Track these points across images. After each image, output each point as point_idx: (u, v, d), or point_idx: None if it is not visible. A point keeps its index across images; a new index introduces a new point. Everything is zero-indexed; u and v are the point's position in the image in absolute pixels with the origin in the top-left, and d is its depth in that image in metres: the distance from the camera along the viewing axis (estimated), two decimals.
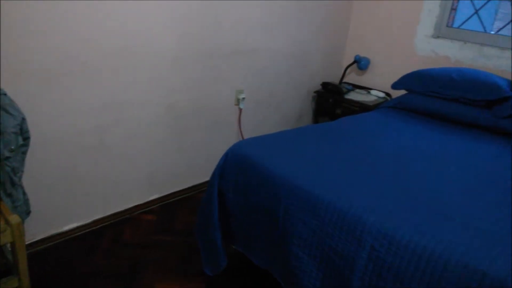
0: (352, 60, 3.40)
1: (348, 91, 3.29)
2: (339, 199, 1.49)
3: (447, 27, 3.03)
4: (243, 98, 2.78)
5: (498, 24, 3.30)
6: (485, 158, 1.99)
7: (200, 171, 2.77)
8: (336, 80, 3.51)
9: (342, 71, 3.48)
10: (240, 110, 2.82)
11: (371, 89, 3.36)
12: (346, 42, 3.53)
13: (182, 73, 2.41)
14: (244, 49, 2.69)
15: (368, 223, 1.39)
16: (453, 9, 3.04)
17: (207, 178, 2.02)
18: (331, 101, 3.22)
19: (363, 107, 3.03)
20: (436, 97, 2.58)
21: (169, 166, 2.61)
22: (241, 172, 1.83)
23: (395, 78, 2.86)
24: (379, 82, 3.34)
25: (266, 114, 3.08)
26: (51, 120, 1.98)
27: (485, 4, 2.99)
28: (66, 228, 2.27)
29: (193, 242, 2.18)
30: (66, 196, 2.20)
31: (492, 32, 2.98)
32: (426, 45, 3.06)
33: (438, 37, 3.03)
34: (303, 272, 1.55)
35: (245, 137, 2.89)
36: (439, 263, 1.22)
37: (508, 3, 2.96)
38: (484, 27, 3.01)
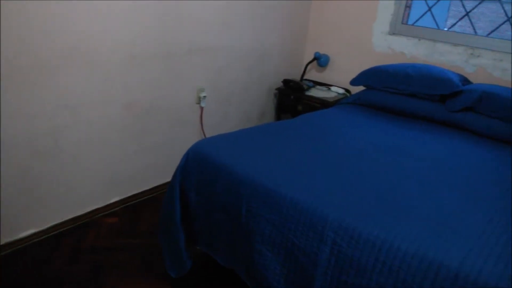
0: (312, 57, 3.44)
1: (309, 87, 3.33)
2: (301, 195, 1.51)
3: (402, 24, 3.12)
4: (204, 97, 2.76)
5: (451, 21, 3.44)
6: (441, 151, 2.07)
7: (162, 171, 2.73)
8: (297, 77, 3.54)
9: (303, 68, 3.51)
10: (202, 108, 2.80)
11: (331, 85, 3.41)
12: (306, 39, 3.56)
13: (139, 72, 2.36)
14: (203, 46, 2.66)
15: (330, 218, 1.41)
16: (408, 7, 3.13)
17: (170, 178, 1.99)
18: (292, 98, 3.25)
19: (323, 104, 3.08)
20: (393, 93, 2.65)
21: (130, 167, 2.55)
22: (202, 171, 1.81)
23: (354, 74, 2.92)
24: (339, 78, 3.40)
25: (228, 112, 3.07)
26: (1, 123, 1.89)
27: (437, 2, 3.10)
28: (23, 234, 2.17)
29: (158, 244, 2.15)
30: (21, 202, 2.10)
31: (445, 29, 3.10)
32: (382, 42, 3.14)
33: (394, 34, 3.11)
34: (267, 269, 1.56)
35: (207, 135, 2.87)
36: (398, 256, 1.26)
37: (459, 2, 3.09)
38: (437, 24, 3.12)
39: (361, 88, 2.94)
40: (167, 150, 2.70)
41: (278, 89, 3.38)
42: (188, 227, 1.92)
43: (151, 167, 2.67)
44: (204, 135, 2.88)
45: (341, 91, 3.32)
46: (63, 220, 2.33)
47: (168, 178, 2.64)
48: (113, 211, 2.55)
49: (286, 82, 3.33)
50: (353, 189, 1.57)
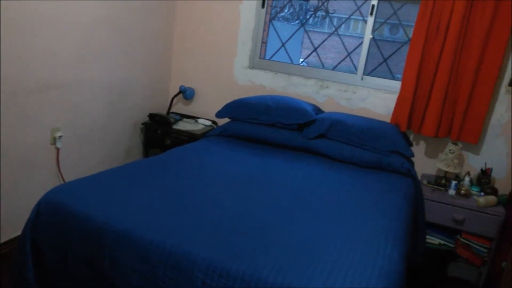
0: (177, 90, 3.44)
1: (176, 121, 3.30)
2: (168, 239, 1.45)
3: (260, 59, 3.32)
4: (60, 137, 2.53)
5: (306, 52, 3.79)
6: (301, 178, 2.21)
7: (12, 225, 2.39)
8: (163, 111, 3.49)
9: (169, 101, 3.48)
10: (58, 149, 2.56)
11: (198, 117, 3.44)
12: (171, 73, 3.56)
13: None
14: (56, 83, 2.45)
15: (198, 259, 1.38)
16: (264, 43, 3.36)
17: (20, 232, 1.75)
18: (159, 132, 3.18)
19: (191, 136, 3.08)
20: (256, 123, 2.78)
21: None
22: (57, 222, 1.63)
23: (220, 105, 3.00)
24: (206, 110, 3.45)
25: (90, 152, 2.86)
26: None
27: (289, 39, 3.39)
28: None
29: None
30: None
31: (301, 59, 3.38)
32: (244, 76, 3.29)
33: (253, 68, 3.29)
34: None
35: (67, 180, 2.62)
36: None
37: (310, 35, 3.41)
38: (291, 59, 3.39)
39: (228, 119, 3.02)
40: (16, 200, 2.38)
41: (144, 123, 3.29)
42: (44, 286, 1.70)
43: None
44: (63, 179, 2.63)
45: (208, 123, 3.37)
46: None
47: (18, 232, 2.34)
48: None
49: (152, 116, 3.26)
50: (221, 225, 1.58)
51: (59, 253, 1.64)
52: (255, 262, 1.36)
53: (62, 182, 2.59)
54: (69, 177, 2.61)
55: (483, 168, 2.69)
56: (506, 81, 2.62)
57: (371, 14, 2.93)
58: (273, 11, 3.42)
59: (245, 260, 1.36)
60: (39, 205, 1.69)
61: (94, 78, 2.73)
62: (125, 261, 1.47)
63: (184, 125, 3.26)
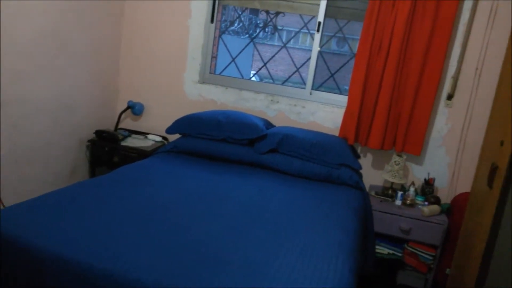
0: (125, 105, 3.35)
1: (125, 137, 3.21)
2: (115, 265, 1.39)
3: (210, 74, 3.31)
4: None
5: (257, 64, 3.82)
6: (252, 193, 2.21)
7: None
8: (111, 127, 3.38)
9: (117, 117, 3.38)
10: None
11: (148, 133, 3.37)
12: (118, 88, 3.46)
13: None
14: None
15: (149, 285, 1.33)
16: (214, 57, 3.35)
17: None
18: (107, 149, 3.08)
19: (140, 153, 3.00)
20: (207, 139, 2.75)
21: None
22: None
23: (171, 121, 2.95)
24: (156, 126, 3.38)
25: (31, 173, 2.70)
26: None
27: (239, 54, 3.41)
28: None
29: None
30: None
31: (253, 72, 3.39)
32: (194, 90, 3.27)
33: (203, 82, 3.28)
34: None
35: (7, 204, 2.46)
36: None
37: (260, 48, 3.45)
38: (241, 74, 3.41)
39: (178, 135, 2.97)
40: None
41: (90, 141, 3.17)
42: None
43: None
44: (2, 204, 2.46)
45: (159, 139, 3.30)
46: None
47: None
48: None
49: (98, 133, 3.14)
50: (172, 247, 1.53)
51: None
52: (208, 284, 1.33)
53: (1, 208, 2.43)
54: (9, 201, 2.45)
55: (427, 178, 2.82)
56: (444, 94, 2.78)
57: (318, 31, 3.01)
58: (222, 25, 3.44)
59: (198, 284, 1.33)
60: None
61: (35, 94, 2.60)
62: None
63: (133, 142, 3.17)
